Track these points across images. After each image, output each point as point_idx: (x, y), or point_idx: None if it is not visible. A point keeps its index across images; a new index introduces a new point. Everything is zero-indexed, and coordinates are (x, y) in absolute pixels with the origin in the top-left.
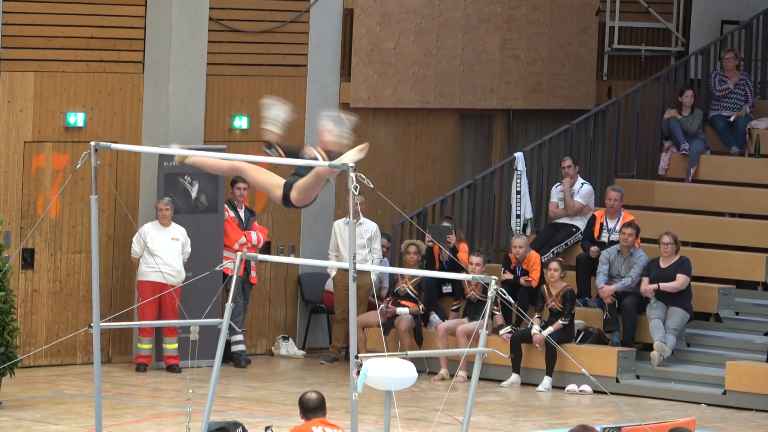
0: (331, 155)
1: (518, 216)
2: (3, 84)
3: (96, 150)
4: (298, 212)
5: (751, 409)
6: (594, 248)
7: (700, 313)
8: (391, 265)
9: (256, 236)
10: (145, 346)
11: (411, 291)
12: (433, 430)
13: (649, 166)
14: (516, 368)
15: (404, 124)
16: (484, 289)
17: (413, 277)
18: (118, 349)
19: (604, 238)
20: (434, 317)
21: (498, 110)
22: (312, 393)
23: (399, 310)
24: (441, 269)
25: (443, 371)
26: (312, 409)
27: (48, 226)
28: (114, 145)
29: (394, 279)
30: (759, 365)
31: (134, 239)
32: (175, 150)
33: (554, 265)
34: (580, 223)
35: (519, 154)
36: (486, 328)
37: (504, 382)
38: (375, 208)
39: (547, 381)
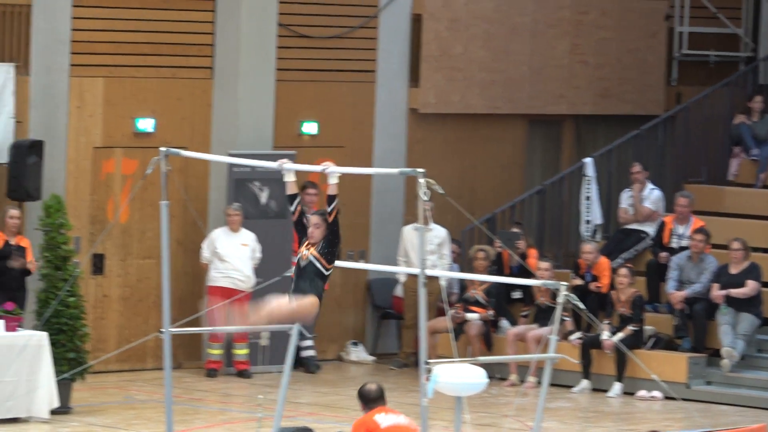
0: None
1: (587, 222)
2: (73, 90)
3: (166, 156)
4: (367, 218)
5: None
6: (664, 254)
7: None
8: (461, 270)
9: None
10: (216, 351)
11: (481, 297)
12: None
13: (719, 172)
14: (586, 374)
15: (472, 129)
16: (554, 295)
17: (483, 282)
18: (189, 355)
19: (674, 243)
20: (504, 323)
21: (567, 115)
22: (371, 384)
23: (469, 315)
24: (510, 275)
25: (513, 377)
26: (373, 399)
27: (118, 231)
28: (184, 152)
29: (463, 285)
30: None
31: (204, 245)
32: (237, 160)
33: (624, 271)
34: (650, 229)
35: (588, 160)
36: (556, 334)
37: (574, 388)
38: (444, 214)
39: (617, 387)
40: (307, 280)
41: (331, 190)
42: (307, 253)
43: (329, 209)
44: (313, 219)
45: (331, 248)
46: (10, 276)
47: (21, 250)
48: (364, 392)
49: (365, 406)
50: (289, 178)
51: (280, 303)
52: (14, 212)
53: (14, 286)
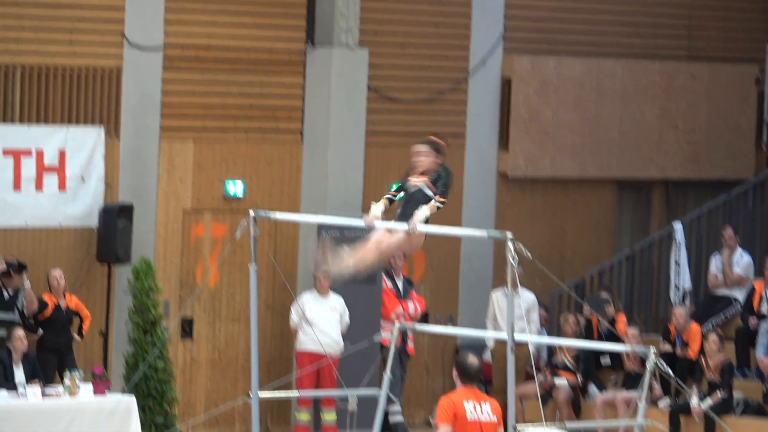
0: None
1: (677, 287)
2: (163, 153)
3: (255, 219)
4: (456, 282)
5: None
6: (753, 319)
7: None
8: (549, 335)
9: (413, 306)
10: (304, 416)
11: (569, 362)
12: None
13: None
14: None
15: (562, 193)
16: (643, 361)
17: (571, 347)
18: (277, 419)
19: (764, 309)
20: (593, 388)
21: (656, 180)
22: (473, 358)
23: (557, 381)
24: (599, 340)
25: None
26: (472, 375)
27: (207, 295)
28: (273, 215)
29: (552, 350)
30: None
31: (292, 309)
32: (326, 219)
33: (713, 337)
34: (740, 294)
35: (677, 225)
36: (644, 400)
37: None
38: (533, 278)
39: None
40: (416, 206)
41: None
42: (417, 180)
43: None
44: (420, 147)
45: (443, 181)
46: (61, 339)
47: (72, 315)
48: (465, 365)
49: (462, 378)
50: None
51: (386, 236)
52: (57, 273)
53: (64, 349)
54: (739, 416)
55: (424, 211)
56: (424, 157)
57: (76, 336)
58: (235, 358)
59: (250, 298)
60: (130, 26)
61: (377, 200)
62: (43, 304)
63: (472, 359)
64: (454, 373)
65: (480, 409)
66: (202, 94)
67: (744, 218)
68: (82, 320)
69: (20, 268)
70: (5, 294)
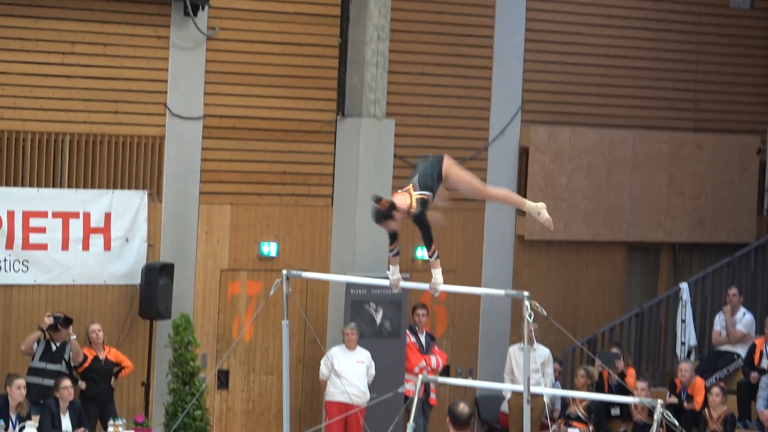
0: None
1: (683, 343)
2: (202, 216)
3: (288, 278)
4: (476, 338)
5: None
6: (754, 374)
7: None
8: (563, 388)
9: (435, 360)
10: None
11: (581, 413)
12: None
13: None
14: None
15: (575, 254)
16: (650, 412)
17: (584, 399)
18: None
19: (765, 364)
20: None
21: (664, 243)
22: (464, 406)
23: (570, 431)
24: (610, 393)
25: None
26: (463, 422)
27: (242, 348)
28: (305, 274)
29: (565, 401)
30: None
31: (322, 361)
32: (354, 279)
33: (716, 390)
34: (742, 351)
35: (684, 285)
36: None
37: None
38: (548, 334)
39: None
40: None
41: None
42: (405, 197)
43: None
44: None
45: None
46: (101, 389)
47: (111, 366)
48: (456, 413)
49: (453, 426)
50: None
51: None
52: (95, 327)
53: (105, 399)
54: None
55: (438, 272)
56: (392, 222)
57: (112, 382)
58: (268, 408)
59: (283, 352)
60: (172, 98)
61: (402, 260)
62: (83, 357)
63: (463, 407)
64: (448, 420)
65: None
66: (238, 161)
67: (746, 279)
68: (121, 368)
69: (66, 322)
70: (53, 346)
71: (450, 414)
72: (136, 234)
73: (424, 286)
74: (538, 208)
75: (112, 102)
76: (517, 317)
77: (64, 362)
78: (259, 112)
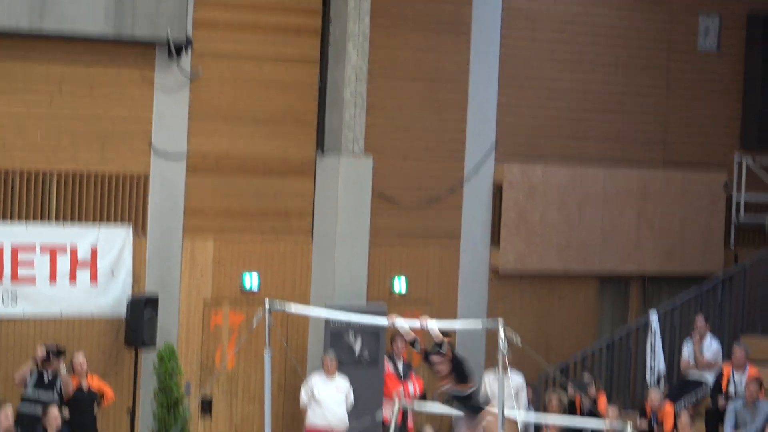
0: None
1: (652, 370)
2: (186, 250)
3: (269, 310)
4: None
5: None
6: (721, 400)
7: None
8: (536, 412)
9: (413, 387)
10: None
11: None
12: None
13: None
14: None
15: (549, 287)
16: None
17: (556, 424)
18: None
19: (731, 390)
20: None
21: (634, 275)
22: (430, 430)
23: None
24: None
25: None
26: None
27: (225, 377)
28: (286, 307)
29: (538, 426)
30: None
31: (302, 389)
32: (337, 315)
33: (685, 415)
34: (710, 377)
35: (653, 315)
36: None
37: None
38: (522, 363)
39: None
40: (463, 407)
41: (437, 339)
42: (446, 388)
43: (442, 350)
44: (435, 359)
45: (460, 374)
46: (84, 418)
47: (93, 396)
48: None
49: None
50: (404, 329)
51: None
52: (80, 356)
53: (88, 428)
54: None
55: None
56: (438, 366)
57: (95, 411)
58: None
59: (265, 380)
60: (156, 137)
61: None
62: (72, 388)
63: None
64: None
65: None
66: (221, 197)
67: (713, 309)
68: (102, 397)
69: (59, 353)
70: (45, 377)
71: None
72: (122, 268)
73: (415, 322)
74: None
75: (98, 141)
76: (491, 347)
77: (55, 392)
78: (240, 151)
